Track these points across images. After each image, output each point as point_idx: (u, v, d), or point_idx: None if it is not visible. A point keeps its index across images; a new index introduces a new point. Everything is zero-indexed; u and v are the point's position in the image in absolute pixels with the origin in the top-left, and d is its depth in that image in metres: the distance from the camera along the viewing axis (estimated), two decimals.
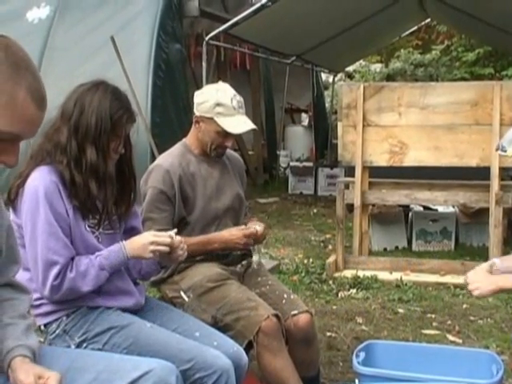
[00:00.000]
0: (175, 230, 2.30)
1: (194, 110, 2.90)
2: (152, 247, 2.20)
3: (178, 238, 2.27)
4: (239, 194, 3.03)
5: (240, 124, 2.84)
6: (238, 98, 2.87)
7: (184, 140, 3.00)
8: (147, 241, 2.21)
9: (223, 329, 2.57)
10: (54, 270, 2.13)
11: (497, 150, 4.84)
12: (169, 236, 2.23)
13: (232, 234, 2.84)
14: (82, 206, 2.20)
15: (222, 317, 2.66)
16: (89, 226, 2.24)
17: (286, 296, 2.84)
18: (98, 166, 2.20)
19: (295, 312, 2.76)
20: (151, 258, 2.25)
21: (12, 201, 2.19)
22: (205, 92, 2.89)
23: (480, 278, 2.36)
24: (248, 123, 2.87)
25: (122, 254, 2.21)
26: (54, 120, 2.24)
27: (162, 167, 2.82)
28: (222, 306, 2.67)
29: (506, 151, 3.16)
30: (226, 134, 2.84)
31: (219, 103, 2.80)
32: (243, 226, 2.89)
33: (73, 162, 2.19)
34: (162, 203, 2.78)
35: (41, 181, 2.15)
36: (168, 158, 2.89)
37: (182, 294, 2.70)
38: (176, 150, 2.96)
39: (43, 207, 2.13)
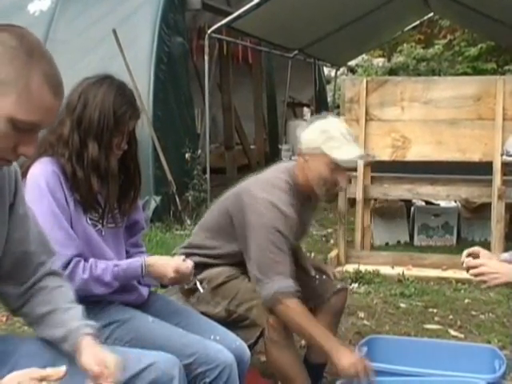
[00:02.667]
0: (192, 263, 2.28)
1: (299, 148, 2.68)
2: (173, 275, 2.21)
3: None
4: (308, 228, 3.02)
5: (352, 151, 2.60)
6: (345, 125, 2.71)
7: (290, 171, 2.71)
8: (171, 270, 2.21)
9: (238, 320, 2.57)
10: (57, 263, 2.09)
11: (502, 155, 4.85)
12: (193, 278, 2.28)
13: (347, 362, 2.41)
14: (83, 200, 2.19)
15: (235, 308, 2.65)
16: (90, 219, 2.23)
17: (317, 276, 2.82)
18: (99, 161, 2.18)
19: (329, 295, 2.79)
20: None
21: None
22: (311, 130, 2.66)
23: (498, 267, 2.35)
24: (360, 150, 2.62)
25: (139, 272, 2.21)
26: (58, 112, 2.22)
27: (279, 208, 2.54)
28: (235, 298, 2.66)
29: (511, 155, 3.17)
30: (339, 169, 2.59)
31: (329, 137, 2.59)
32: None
33: (74, 156, 2.17)
34: (282, 244, 2.53)
35: (42, 171, 2.14)
36: (278, 195, 2.59)
37: (198, 284, 2.65)
38: (284, 184, 2.66)
39: (46, 197, 2.11)
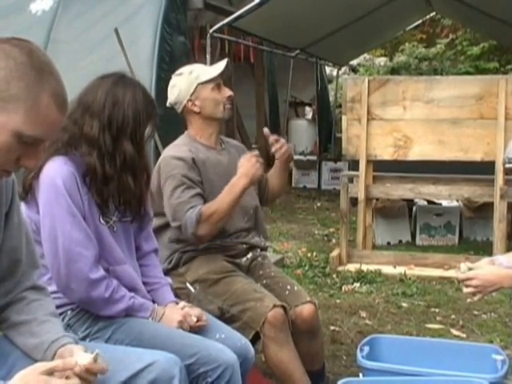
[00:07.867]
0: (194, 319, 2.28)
1: (183, 104, 2.89)
2: (178, 325, 2.22)
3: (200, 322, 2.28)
4: None
5: (216, 66, 2.86)
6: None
7: (186, 132, 2.98)
8: (176, 321, 2.22)
9: (230, 320, 2.57)
10: (80, 264, 2.09)
11: (504, 163, 4.86)
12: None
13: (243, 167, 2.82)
14: (101, 199, 2.17)
15: (228, 308, 2.65)
16: (104, 216, 2.21)
17: (289, 288, 2.83)
18: (134, 158, 2.20)
19: (298, 303, 2.76)
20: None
21: (26, 195, 2.15)
22: (174, 84, 2.94)
23: (490, 278, 2.37)
24: (222, 62, 2.89)
25: (147, 315, 2.21)
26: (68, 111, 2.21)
27: (173, 156, 2.79)
28: (228, 297, 2.66)
29: (511, 162, 3.19)
30: (217, 87, 2.85)
31: (190, 72, 2.85)
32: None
33: (107, 155, 2.17)
34: (187, 187, 2.73)
35: (58, 171, 2.12)
36: (174, 148, 2.88)
37: (189, 285, 2.69)
38: (181, 140, 2.95)
39: (63, 198, 2.09)
